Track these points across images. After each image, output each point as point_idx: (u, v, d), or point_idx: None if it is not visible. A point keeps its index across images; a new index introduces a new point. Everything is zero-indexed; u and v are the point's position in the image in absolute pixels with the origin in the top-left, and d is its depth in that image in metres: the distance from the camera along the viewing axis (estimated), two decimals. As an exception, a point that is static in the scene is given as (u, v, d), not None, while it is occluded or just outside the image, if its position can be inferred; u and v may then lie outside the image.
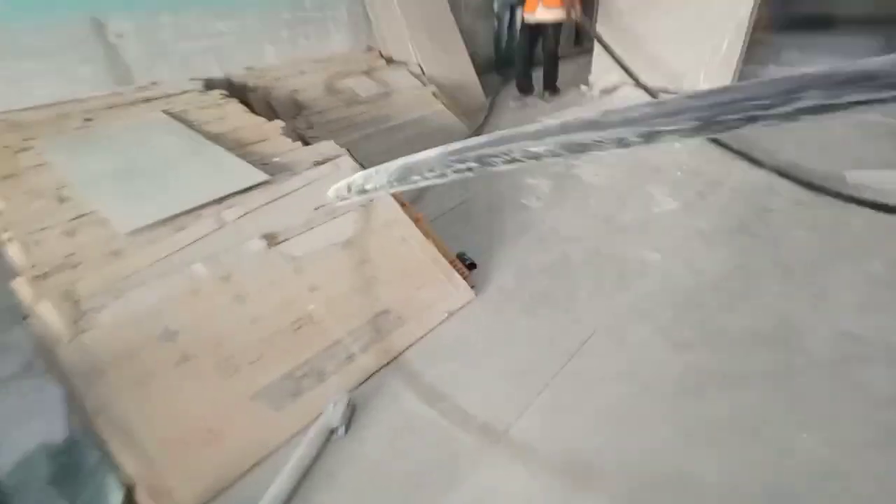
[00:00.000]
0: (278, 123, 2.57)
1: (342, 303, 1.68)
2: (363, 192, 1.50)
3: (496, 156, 0.90)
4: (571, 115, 3.63)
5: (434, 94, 3.70)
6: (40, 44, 2.73)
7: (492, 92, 4.59)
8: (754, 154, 2.86)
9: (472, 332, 1.72)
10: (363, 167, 2.45)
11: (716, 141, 3.10)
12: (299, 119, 3.09)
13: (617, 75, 4.45)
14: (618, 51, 4.34)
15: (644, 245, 2.14)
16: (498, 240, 2.28)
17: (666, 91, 4.17)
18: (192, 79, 3.22)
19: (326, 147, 2.34)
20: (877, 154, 2.85)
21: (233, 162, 2.12)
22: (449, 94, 4.01)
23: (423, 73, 3.97)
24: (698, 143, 3.23)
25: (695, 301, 1.78)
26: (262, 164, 2.20)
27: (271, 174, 2.06)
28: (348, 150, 2.36)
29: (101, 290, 1.39)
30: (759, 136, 3.09)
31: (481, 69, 5.34)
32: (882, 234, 2.07)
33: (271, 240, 1.71)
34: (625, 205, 2.50)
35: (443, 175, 1.04)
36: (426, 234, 1.96)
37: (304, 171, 2.02)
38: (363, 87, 3.49)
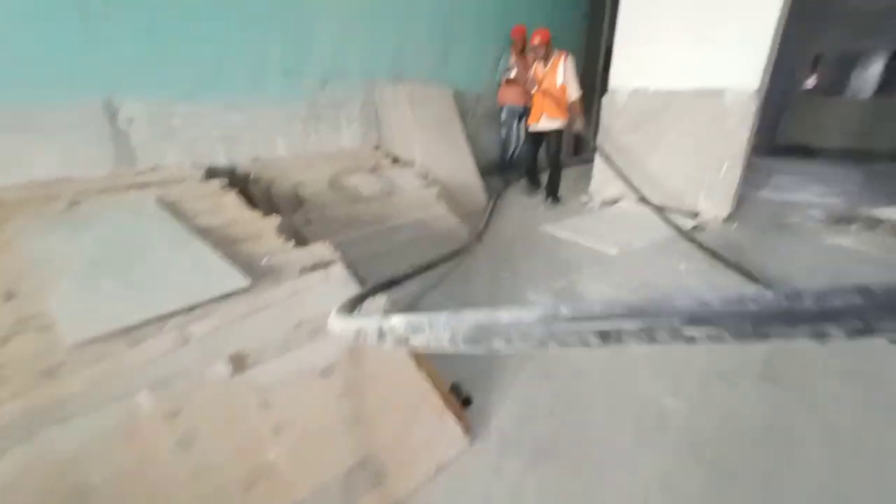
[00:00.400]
0: (274, 220, 2.45)
1: (311, 449, 1.40)
2: (403, 341, 0.86)
3: (634, 333, 0.54)
4: (575, 221, 3.60)
5: (436, 196, 3.69)
6: (49, 121, 2.71)
7: (493, 194, 4.63)
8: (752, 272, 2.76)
9: (466, 498, 1.42)
10: (357, 277, 2.31)
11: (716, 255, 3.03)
12: (299, 214, 3.01)
13: (616, 188, 4.54)
14: (617, 166, 4.48)
15: (660, 386, 1.91)
16: (498, 367, 2.05)
17: (667, 208, 4.21)
18: (196, 165, 3.20)
19: (320, 249, 2.20)
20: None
21: (214, 262, 1.95)
22: (451, 195, 4.02)
23: (428, 173, 4.01)
24: (700, 260, 3.15)
25: (728, 470, 1.51)
26: (247, 265, 2.03)
27: (255, 279, 1.89)
28: (342, 255, 2.22)
29: (9, 424, 1.13)
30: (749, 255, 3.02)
31: (485, 172, 5.50)
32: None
33: (238, 363, 1.47)
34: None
35: (542, 345, 0.63)
36: (419, 362, 1.74)
37: (291, 279, 1.85)
38: (367, 184, 3.47)
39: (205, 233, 2.25)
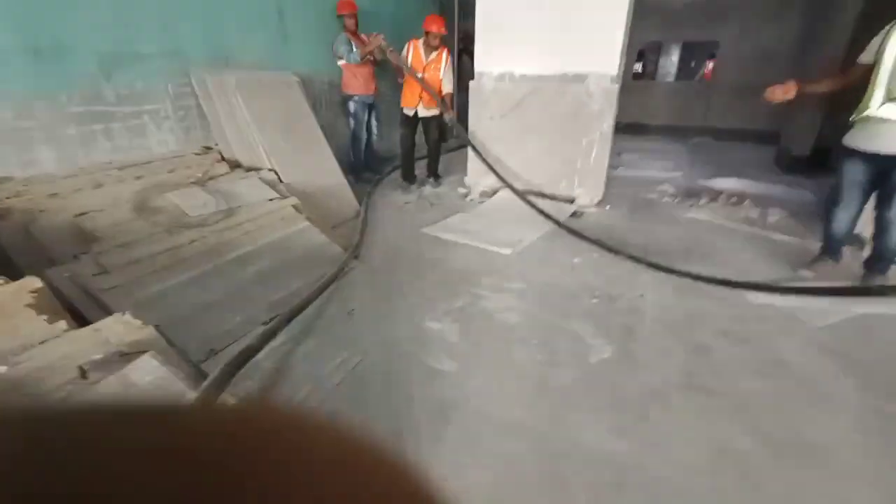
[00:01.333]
0: (27, 284, 1.54)
1: None
2: None
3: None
4: (459, 220, 3.22)
5: (295, 208, 2.97)
6: None
7: (363, 196, 4.03)
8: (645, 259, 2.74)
9: None
10: (198, 369, 1.57)
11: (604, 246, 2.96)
12: (83, 260, 2.03)
13: (494, 178, 4.32)
14: (492, 153, 4.26)
15: (604, 427, 1.62)
16: (412, 439, 1.54)
17: (542, 194, 4.13)
18: None
19: (118, 329, 1.41)
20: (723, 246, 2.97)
21: None
22: (315, 205, 3.32)
23: (280, 180, 3.24)
24: (590, 250, 3.07)
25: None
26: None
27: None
28: (160, 331, 1.46)
29: None
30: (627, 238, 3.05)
31: (349, 171, 4.83)
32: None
33: None
34: (555, 354, 2.01)
35: None
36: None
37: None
38: (194, 203, 2.59)
39: None
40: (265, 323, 2.17)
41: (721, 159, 6.07)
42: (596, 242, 3.11)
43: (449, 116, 4.20)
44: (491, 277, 2.70)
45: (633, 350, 2.04)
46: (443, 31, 4.01)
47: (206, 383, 1.11)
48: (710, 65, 8.89)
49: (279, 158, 3.32)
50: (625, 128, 7.89)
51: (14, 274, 1.95)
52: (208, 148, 3.41)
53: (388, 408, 1.69)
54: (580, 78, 3.71)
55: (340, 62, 4.29)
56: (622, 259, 2.90)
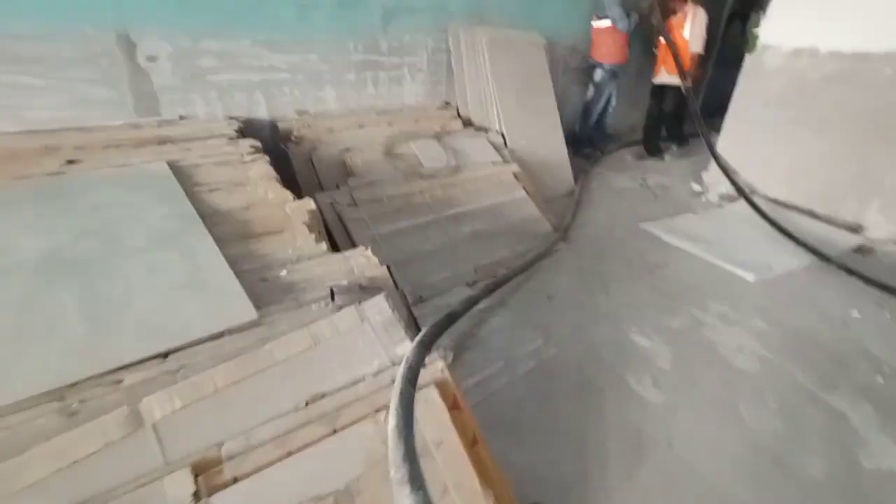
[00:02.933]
0: (306, 205, 1.86)
1: None
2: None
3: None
4: (687, 222, 2.73)
5: (515, 175, 2.93)
6: (48, 55, 2.20)
7: (580, 174, 3.78)
8: None
9: None
10: (410, 313, 1.69)
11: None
12: (342, 190, 2.39)
13: (746, 177, 3.54)
14: (756, 150, 3.45)
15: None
16: (597, 468, 1.39)
17: (812, 213, 3.19)
18: (230, 118, 2.64)
19: (360, 261, 1.59)
20: None
21: (212, 276, 1.40)
22: (533, 173, 3.24)
23: (506, 144, 3.23)
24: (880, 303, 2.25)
25: None
26: (260, 278, 1.47)
27: (264, 306, 1.33)
28: (392, 275, 1.61)
29: None
30: None
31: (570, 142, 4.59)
32: None
33: (208, 475, 0.93)
34: (803, 433, 1.55)
35: None
36: (483, 478, 1.11)
37: (312, 320, 1.25)
38: (430, 154, 2.78)
39: (217, 219, 1.71)
40: (469, 284, 2.25)
41: None
42: (887, 288, 2.27)
43: (685, 86, 3.75)
44: (722, 303, 2.23)
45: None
46: None
47: (416, 341, 1.15)
48: None
49: (510, 122, 3.30)
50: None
51: (297, 192, 2.42)
52: (447, 103, 3.60)
53: (578, 420, 1.56)
54: (937, 63, 2.60)
55: (601, 24, 3.93)
56: (938, 331, 2.05)
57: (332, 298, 1.38)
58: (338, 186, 2.44)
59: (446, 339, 1.85)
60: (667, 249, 2.75)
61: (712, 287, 2.37)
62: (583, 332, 1.98)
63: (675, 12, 3.87)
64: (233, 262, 1.45)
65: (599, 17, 3.92)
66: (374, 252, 1.74)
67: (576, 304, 2.17)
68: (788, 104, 3.23)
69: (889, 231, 2.90)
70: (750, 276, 2.45)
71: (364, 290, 1.44)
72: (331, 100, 3.10)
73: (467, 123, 3.47)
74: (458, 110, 3.53)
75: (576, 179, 3.66)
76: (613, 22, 3.81)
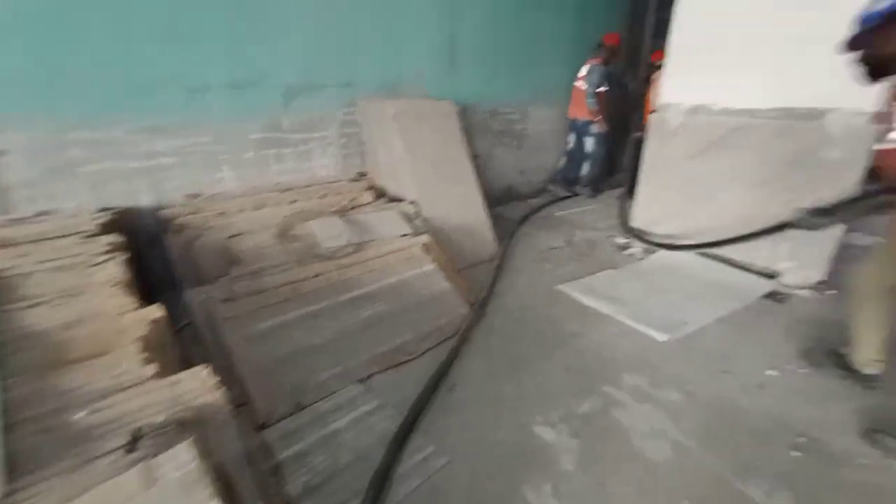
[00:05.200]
0: (149, 314, 1.63)
1: None
2: None
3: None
4: (606, 279, 2.53)
5: (425, 247, 2.80)
6: None
7: (505, 237, 3.71)
8: None
9: None
10: (260, 441, 1.46)
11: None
12: (220, 283, 2.17)
13: (665, 228, 3.55)
14: (670, 202, 3.50)
15: None
16: None
17: (730, 261, 3.20)
18: (102, 210, 2.42)
19: (192, 386, 1.35)
20: None
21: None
22: (451, 243, 3.12)
23: (419, 213, 3.13)
24: (792, 358, 2.16)
25: None
26: (42, 428, 1.21)
27: (36, 468, 1.06)
28: (247, 390, 1.37)
29: None
30: None
31: (499, 202, 4.60)
32: None
33: None
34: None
35: None
36: None
37: (87, 487, 0.99)
38: (330, 233, 2.62)
39: (23, 344, 1.44)
40: (362, 380, 2.02)
41: None
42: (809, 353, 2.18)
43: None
44: (636, 374, 2.08)
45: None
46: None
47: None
48: None
49: (424, 190, 3.22)
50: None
51: (166, 292, 2.18)
52: (362, 174, 3.52)
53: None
54: (814, 114, 2.72)
55: (581, 85, 4.69)
56: (856, 384, 1.95)
57: (132, 448, 1.13)
58: (217, 279, 2.22)
59: (320, 460, 1.59)
60: (584, 314, 2.63)
61: (626, 355, 2.23)
62: (482, 430, 1.76)
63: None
64: (14, 408, 1.19)
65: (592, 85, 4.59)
66: (245, 355, 1.51)
67: (479, 394, 1.97)
68: (693, 157, 3.31)
69: (801, 277, 2.90)
70: (662, 336, 2.34)
71: (181, 430, 1.20)
72: (229, 180, 2.94)
73: (381, 195, 3.37)
74: (371, 183, 3.44)
75: (500, 242, 3.58)
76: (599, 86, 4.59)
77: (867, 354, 1.91)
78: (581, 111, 4.74)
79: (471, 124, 4.21)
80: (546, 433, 1.74)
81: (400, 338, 2.25)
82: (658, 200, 3.62)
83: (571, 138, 5.02)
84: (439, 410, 1.86)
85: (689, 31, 3.21)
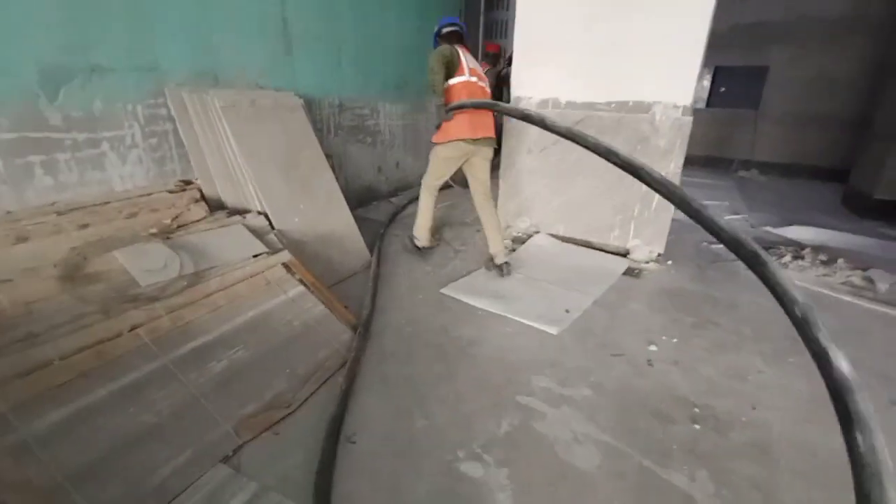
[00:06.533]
0: None
1: None
2: None
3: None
4: (484, 277, 2.36)
5: (287, 267, 2.29)
6: None
7: (375, 240, 3.37)
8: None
9: None
10: None
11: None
12: (-46, 368, 1.36)
13: (528, 220, 3.65)
14: (527, 193, 3.61)
15: None
16: None
17: (588, 244, 3.44)
18: None
19: None
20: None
21: None
22: (317, 257, 2.66)
23: (272, 226, 2.58)
24: (663, 329, 2.36)
25: None
26: None
27: None
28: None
29: None
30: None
31: (361, 203, 4.22)
32: None
33: None
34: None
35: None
36: None
37: None
38: (149, 265, 1.92)
39: None
40: (226, 458, 1.49)
41: (779, 199, 5.36)
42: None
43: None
44: (542, 376, 1.99)
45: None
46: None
47: None
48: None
49: (273, 198, 2.67)
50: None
51: None
52: (187, 182, 2.76)
53: None
54: (643, 107, 3.05)
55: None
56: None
57: None
58: (-52, 362, 1.39)
59: None
60: (475, 317, 2.48)
61: (527, 355, 2.14)
62: (401, 488, 1.43)
63: None
64: None
65: None
66: (12, 478, 0.86)
67: (387, 440, 1.62)
68: (545, 149, 3.45)
69: (646, 252, 3.26)
70: (553, 329, 2.33)
71: None
72: (-38, 203, 1.96)
73: (218, 207, 2.69)
74: (201, 191, 2.72)
75: (371, 248, 3.23)
76: None
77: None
78: None
79: (318, 120, 3.73)
80: (473, 469, 1.50)
81: (270, 389, 1.75)
82: (522, 192, 3.71)
83: None
84: (341, 474, 1.46)
85: (529, 29, 3.31)
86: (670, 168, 3.04)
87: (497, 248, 2.98)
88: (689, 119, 2.93)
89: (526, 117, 1.40)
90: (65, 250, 1.92)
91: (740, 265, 3.27)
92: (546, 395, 1.87)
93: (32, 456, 1.26)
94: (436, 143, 2.87)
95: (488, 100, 2.90)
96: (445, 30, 2.90)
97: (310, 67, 3.60)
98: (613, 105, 3.16)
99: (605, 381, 1.97)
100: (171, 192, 2.62)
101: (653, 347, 2.23)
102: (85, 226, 2.12)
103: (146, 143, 2.60)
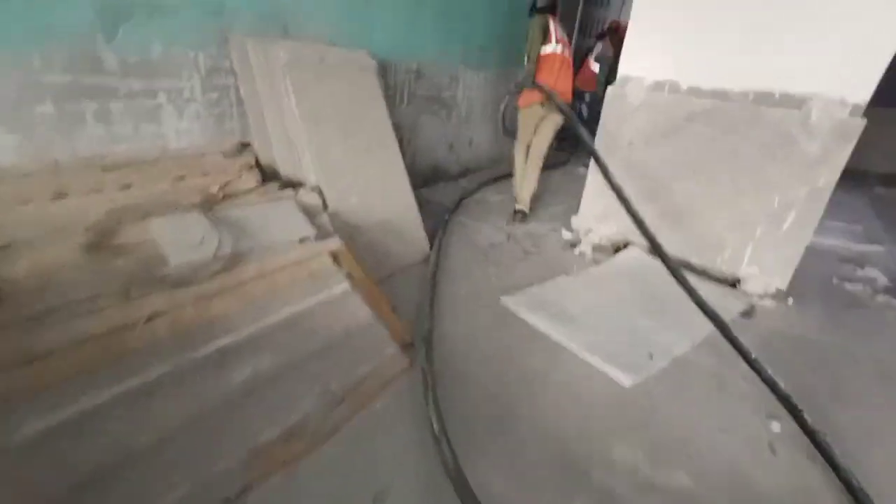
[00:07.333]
0: None
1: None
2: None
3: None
4: (554, 290, 1.93)
5: (335, 257, 2.00)
6: None
7: (436, 227, 3.02)
8: None
9: None
10: None
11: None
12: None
13: (617, 224, 3.11)
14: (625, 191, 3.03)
15: None
16: None
17: (688, 265, 2.85)
18: None
19: None
20: None
21: None
22: (371, 246, 2.36)
23: (325, 204, 2.29)
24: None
25: None
26: None
27: None
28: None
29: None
30: None
31: (424, 183, 3.87)
32: None
33: None
34: None
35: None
36: None
37: None
38: (184, 241, 1.69)
39: None
40: (227, 501, 1.23)
41: (934, 228, 4.32)
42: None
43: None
44: (625, 444, 1.56)
45: None
46: None
47: None
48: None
49: (330, 173, 2.37)
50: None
51: None
52: (244, 145, 2.53)
53: None
54: (793, 101, 2.37)
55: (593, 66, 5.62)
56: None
57: None
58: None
59: None
60: (539, 341, 2.07)
61: (604, 408, 1.71)
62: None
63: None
64: None
65: None
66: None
67: None
68: (651, 143, 2.86)
69: (763, 285, 2.64)
70: (627, 379, 1.86)
71: None
72: (5, 149, 1.82)
73: (272, 176, 2.45)
74: (257, 157, 2.48)
75: (432, 238, 2.88)
76: None
77: None
78: (589, 86, 5.66)
79: (390, 86, 3.37)
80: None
81: (296, 410, 1.48)
82: (607, 193, 3.15)
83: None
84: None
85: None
86: (819, 183, 2.38)
87: (523, 196, 3.41)
88: (861, 123, 2.23)
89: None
90: (101, 212, 1.73)
91: (888, 312, 2.58)
92: (631, 475, 1.45)
93: (18, 458, 1.06)
94: (520, 107, 3.26)
95: (566, 106, 2.99)
96: (540, 3, 3.09)
97: (389, 20, 3.21)
98: (752, 96, 2.50)
99: (708, 467, 1.51)
100: (226, 155, 2.40)
101: (775, 425, 1.71)
102: (127, 186, 1.93)
103: (206, 98, 2.38)
